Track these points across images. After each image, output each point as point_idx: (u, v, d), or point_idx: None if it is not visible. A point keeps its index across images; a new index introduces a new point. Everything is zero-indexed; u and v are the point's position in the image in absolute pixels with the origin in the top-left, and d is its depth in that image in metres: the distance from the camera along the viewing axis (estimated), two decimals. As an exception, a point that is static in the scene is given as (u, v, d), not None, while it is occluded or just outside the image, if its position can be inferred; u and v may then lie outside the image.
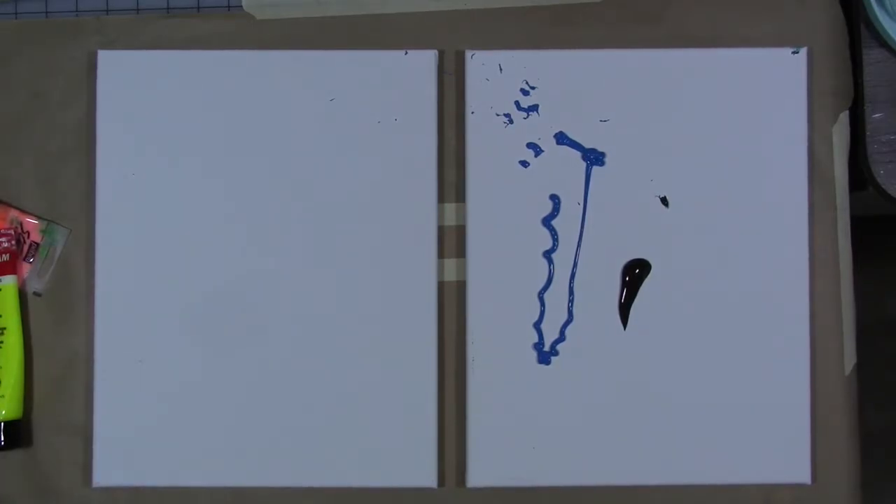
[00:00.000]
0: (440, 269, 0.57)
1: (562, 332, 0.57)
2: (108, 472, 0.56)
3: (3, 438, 0.55)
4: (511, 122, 0.58)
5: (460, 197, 0.58)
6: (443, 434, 0.57)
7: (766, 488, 0.57)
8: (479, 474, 0.56)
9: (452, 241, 0.58)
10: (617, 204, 0.57)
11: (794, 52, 0.58)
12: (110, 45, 0.58)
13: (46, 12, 0.60)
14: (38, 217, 0.58)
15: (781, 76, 0.58)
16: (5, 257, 0.57)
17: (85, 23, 0.59)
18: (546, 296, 0.57)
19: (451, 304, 0.58)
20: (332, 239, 0.57)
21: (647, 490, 0.57)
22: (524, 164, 0.57)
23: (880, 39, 0.59)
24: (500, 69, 0.58)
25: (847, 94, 0.58)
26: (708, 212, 0.57)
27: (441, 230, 0.58)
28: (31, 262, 0.58)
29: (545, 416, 0.56)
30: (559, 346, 0.57)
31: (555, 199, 0.57)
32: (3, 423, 0.55)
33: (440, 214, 0.58)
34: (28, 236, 0.58)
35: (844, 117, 0.58)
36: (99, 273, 0.57)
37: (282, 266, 0.57)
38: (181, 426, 0.56)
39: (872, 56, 0.60)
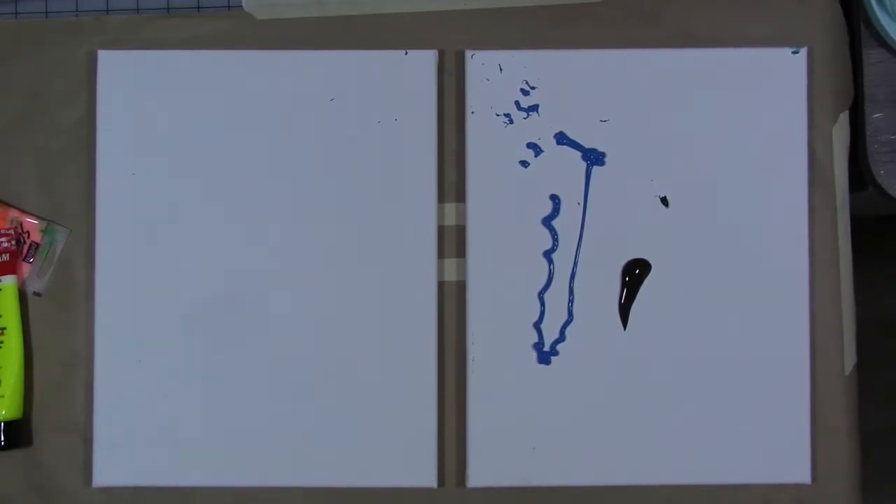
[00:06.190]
0: (440, 269, 0.57)
1: (562, 332, 0.57)
2: (108, 472, 0.56)
3: (3, 438, 0.55)
4: (511, 122, 0.58)
5: (460, 197, 0.58)
6: (443, 434, 0.57)
7: (767, 488, 0.57)
8: (479, 474, 0.56)
9: (452, 241, 0.58)
10: (617, 204, 0.57)
11: (794, 52, 0.58)
12: (110, 45, 0.58)
13: (46, 12, 0.60)
14: (38, 217, 0.58)
15: (781, 76, 0.58)
16: (5, 257, 0.57)
17: (85, 23, 0.59)
18: (546, 296, 0.57)
19: (451, 304, 0.58)
20: (332, 239, 0.57)
21: (647, 490, 0.57)
22: (524, 164, 0.57)
23: (880, 39, 0.59)
24: (500, 69, 0.58)
25: (847, 94, 0.58)
26: (708, 212, 0.57)
27: (441, 230, 0.58)
28: (31, 262, 0.58)
29: (545, 416, 0.56)
30: (559, 346, 0.57)
31: (555, 199, 0.57)
32: (3, 423, 0.56)
33: (440, 214, 0.58)
34: (28, 236, 0.58)
35: (844, 117, 0.58)
36: (99, 273, 0.57)
37: (281, 266, 0.57)
38: (181, 426, 0.56)
39: (872, 56, 0.60)
